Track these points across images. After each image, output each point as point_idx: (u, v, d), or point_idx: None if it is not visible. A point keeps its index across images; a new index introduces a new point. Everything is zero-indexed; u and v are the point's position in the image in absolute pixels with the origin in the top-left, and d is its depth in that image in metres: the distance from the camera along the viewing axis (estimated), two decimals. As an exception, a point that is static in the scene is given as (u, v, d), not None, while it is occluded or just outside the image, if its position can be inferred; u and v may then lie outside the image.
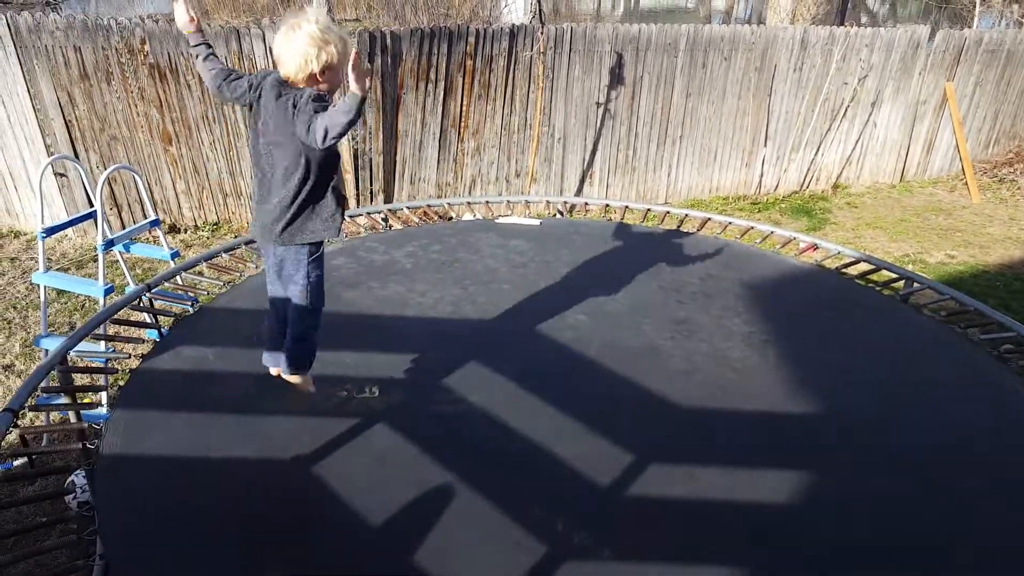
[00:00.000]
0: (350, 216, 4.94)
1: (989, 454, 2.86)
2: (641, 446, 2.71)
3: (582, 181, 8.38)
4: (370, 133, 7.14)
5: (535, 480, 2.56)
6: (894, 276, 4.39)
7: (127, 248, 4.33)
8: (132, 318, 3.61)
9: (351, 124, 2.11)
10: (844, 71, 8.86)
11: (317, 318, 2.66)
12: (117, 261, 5.39)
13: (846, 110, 9.15)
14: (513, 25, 7.45)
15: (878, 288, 4.36)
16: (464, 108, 7.47)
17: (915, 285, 4.25)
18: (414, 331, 3.50)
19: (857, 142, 9.55)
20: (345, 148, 7.23)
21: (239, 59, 6.60)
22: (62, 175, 6.64)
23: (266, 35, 6.57)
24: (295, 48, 2.29)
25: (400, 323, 3.54)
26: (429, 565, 2.16)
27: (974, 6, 14.79)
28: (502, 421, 2.82)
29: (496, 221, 4.95)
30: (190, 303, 3.67)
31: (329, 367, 3.10)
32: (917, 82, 9.45)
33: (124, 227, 6.67)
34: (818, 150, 9.32)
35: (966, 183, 9.96)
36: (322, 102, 2.23)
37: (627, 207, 5.53)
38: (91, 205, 4.01)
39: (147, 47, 6.37)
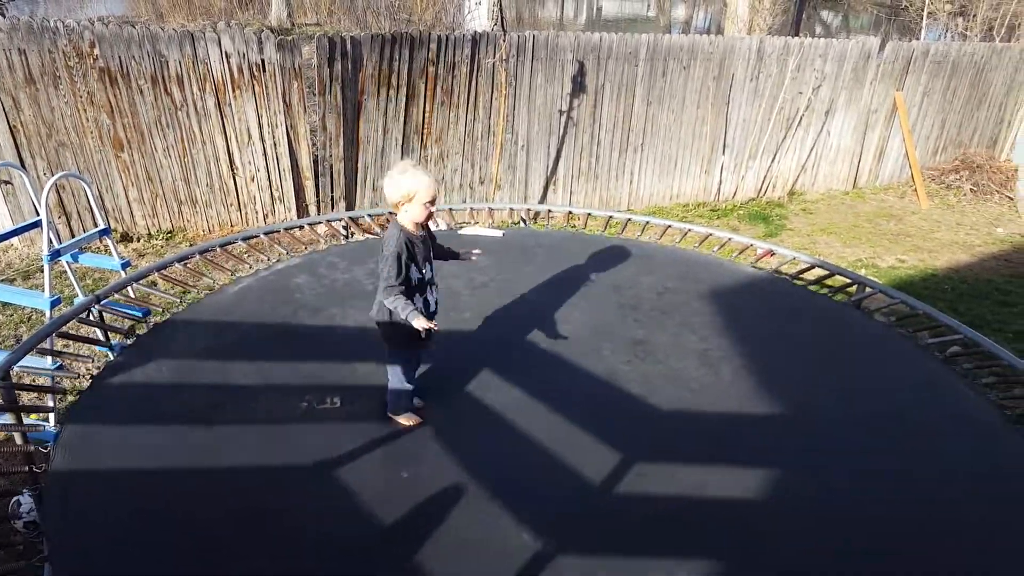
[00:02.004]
0: (310, 224, 4.87)
1: (937, 452, 2.94)
2: (602, 464, 2.70)
3: (546, 188, 8.41)
4: (330, 139, 7.05)
5: (492, 514, 2.49)
6: (847, 281, 4.50)
7: (75, 258, 4.18)
8: (82, 332, 3.50)
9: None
10: (799, 80, 9.08)
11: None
12: (65, 272, 5.21)
13: (801, 119, 9.36)
14: (476, 32, 7.45)
15: (831, 294, 4.46)
16: (427, 114, 7.43)
17: (867, 290, 4.36)
18: (375, 348, 3.43)
19: (812, 150, 9.78)
20: (305, 153, 7.14)
21: (193, 63, 6.46)
22: (7, 183, 6.41)
23: (221, 39, 6.44)
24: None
25: (362, 338, 3.47)
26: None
27: (921, 18, 15.31)
28: (458, 445, 2.77)
29: (459, 232, 4.93)
30: (142, 315, 3.57)
31: (290, 379, 3.05)
32: (868, 91, 9.73)
33: (73, 236, 6.46)
34: (774, 158, 9.52)
35: (915, 189, 10.28)
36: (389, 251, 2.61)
37: (589, 214, 5.57)
38: (38, 214, 3.87)
39: (96, 50, 6.19)
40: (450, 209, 5.43)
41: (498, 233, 4.91)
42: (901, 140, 10.37)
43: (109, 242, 4.28)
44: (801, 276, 4.62)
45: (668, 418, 3.07)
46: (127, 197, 6.82)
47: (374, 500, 2.44)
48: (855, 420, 3.13)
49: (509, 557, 2.26)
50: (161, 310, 3.83)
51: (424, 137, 7.52)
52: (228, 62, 6.55)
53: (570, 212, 5.76)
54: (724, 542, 2.43)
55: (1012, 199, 10.30)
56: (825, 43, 9.14)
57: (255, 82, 6.69)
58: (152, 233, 7.03)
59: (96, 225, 4.37)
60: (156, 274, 3.99)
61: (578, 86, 8.01)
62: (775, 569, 2.33)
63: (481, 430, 2.90)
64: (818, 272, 4.60)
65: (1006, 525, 2.59)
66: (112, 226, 6.80)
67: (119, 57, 6.27)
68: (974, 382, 3.57)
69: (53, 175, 4.97)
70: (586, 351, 3.54)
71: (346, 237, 4.86)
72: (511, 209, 6.78)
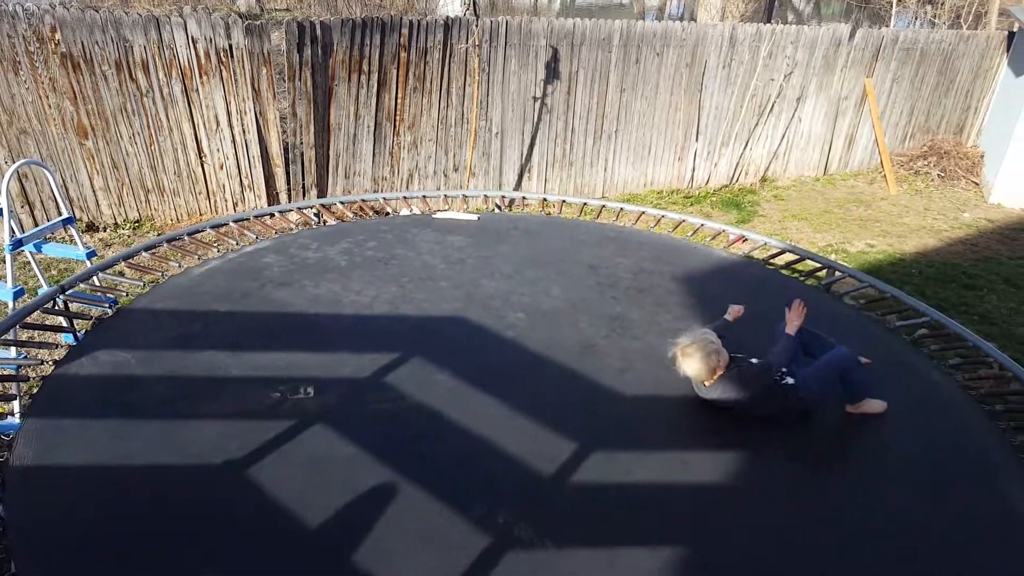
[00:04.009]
0: (280, 212, 4.81)
1: (903, 434, 3.00)
2: (580, 443, 2.73)
3: (520, 175, 8.39)
4: (301, 125, 6.96)
5: (474, 479, 2.55)
6: (817, 265, 4.56)
7: (39, 248, 4.08)
8: (48, 322, 3.42)
9: None
10: (771, 67, 9.14)
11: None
12: (30, 263, 5.08)
13: (772, 106, 9.44)
14: (448, 17, 7.38)
15: (802, 277, 4.52)
16: (399, 101, 7.36)
17: (836, 274, 4.43)
18: (350, 331, 3.42)
19: (783, 137, 9.87)
20: (275, 140, 7.04)
21: (159, 48, 6.32)
22: (-34, 170, 6.23)
23: (187, 24, 6.31)
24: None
25: (335, 323, 3.46)
26: (364, 570, 2.12)
27: (891, 6, 15.49)
28: (441, 421, 2.79)
29: (434, 216, 4.90)
30: (108, 305, 3.50)
31: (261, 369, 3.01)
32: (839, 78, 9.83)
33: (37, 225, 6.30)
34: (747, 145, 9.59)
35: (884, 175, 10.44)
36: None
37: (564, 201, 5.57)
38: (-2, 203, 3.78)
39: (58, 35, 6.02)
40: (423, 196, 5.39)
41: (473, 217, 4.89)
42: (871, 127, 10.51)
43: (73, 231, 4.19)
44: (772, 261, 4.67)
45: (643, 393, 3.11)
46: (92, 186, 6.67)
47: (339, 492, 2.42)
48: (825, 406, 3.17)
49: (484, 530, 2.27)
50: (129, 298, 3.74)
51: (396, 124, 7.45)
52: (195, 47, 6.42)
53: (545, 199, 5.75)
54: (695, 523, 2.46)
55: (978, 184, 10.50)
56: (796, 30, 9.21)
57: (223, 68, 6.56)
58: (119, 222, 6.89)
59: (60, 214, 4.27)
60: (123, 263, 3.92)
61: (552, 73, 7.98)
62: (740, 553, 2.37)
63: (458, 402, 2.90)
64: (789, 257, 4.66)
65: (973, 506, 2.65)
66: (78, 215, 6.65)
67: (82, 42, 6.11)
68: (940, 363, 3.64)
69: (14, 163, 4.85)
70: (564, 323, 3.57)
71: (318, 225, 4.80)
72: (485, 196, 6.74)
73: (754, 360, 2.99)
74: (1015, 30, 10.59)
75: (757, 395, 2.90)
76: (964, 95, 11.22)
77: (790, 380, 2.95)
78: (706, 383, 2.94)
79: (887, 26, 13.35)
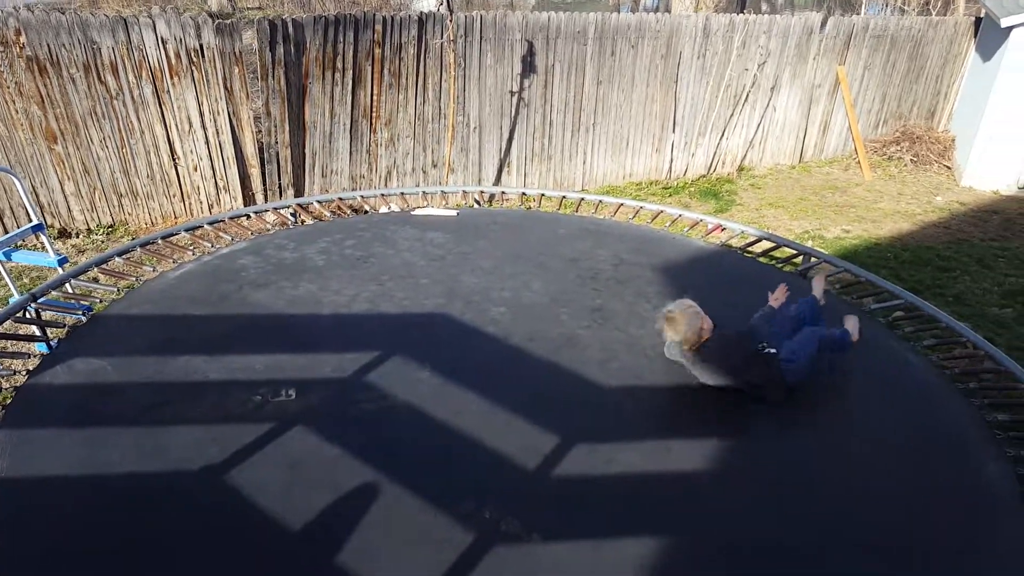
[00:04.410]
0: (256, 212, 4.76)
1: (880, 413, 3.04)
2: (563, 435, 2.73)
3: (500, 171, 8.38)
4: (275, 125, 6.89)
5: (460, 476, 2.54)
6: (793, 252, 4.60)
7: (8, 256, 4.00)
8: (21, 331, 3.36)
9: None
10: (744, 57, 9.19)
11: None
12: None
13: (747, 95, 9.50)
14: (422, 12, 7.33)
15: (779, 264, 4.56)
16: (375, 98, 7.31)
17: (812, 259, 4.47)
18: (330, 331, 3.39)
19: (759, 126, 9.94)
20: (249, 140, 6.96)
21: (128, 50, 6.22)
22: (-68, 178, 6.10)
23: (156, 24, 6.21)
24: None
25: (315, 323, 3.43)
26: (350, 570, 2.11)
27: (861, -6, 15.65)
28: (425, 418, 2.78)
29: (412, 213, 4.88)
30: (82, 312, 3.44)
31: (240, 373, 2.98)
32: (812, 67, 9.91)
33: (7, 233, 6.18)
34: (723, 134, 9.64)
35: (859, 162, 10.55)
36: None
37: (543, 195, 5.57)
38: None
39: (23, 38, 5.90)
40: (402, 193, 5.36)
41: (452, 213, 4.88)
42: (844, 114, 10.61)
43: (44, 238, 4.11)
44: (750, 249, 4.71)
45: (625, 382, 3.12)
46: (63, 191, 6.56)
47: (323, 492, 2.40)
48: (803, 388, 3.20)
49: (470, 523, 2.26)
50: (104, 305, 3.68)
51: (373, 121, 7.40)
52: (164, 48, 6.33)
53: (524, 194, 5.75)
54: (677, 510, 2.48)
55: (950, 168, 10.65)
56: (769, 19, 9.27)
57: (194, 68, 6.48)
58: (92, 228, 6.78)
59: (30, 221, 4.19)
60: (96, 269, 3.86)
61: (528, 66, 7.97)
62: (724, 538, 2.38)
63: (441, 399, 2.89)
64: (766, 244, 4.70)
65: (949, 480, 2.69)
66: (49, 222, 6.54)
67: (48, 45, 5.99)
68: (915, 344, 3.70)
69: (-19, 169, 4.75)
70: (545, 316, 3.58)
71: (295, 224, 4.75)
72: (464, 192, 6.72)
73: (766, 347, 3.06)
74: (982, 16, 10.73)
75: (738, 362, 2.96)
76: (934, 80, 11.37)
77: (771, 350, 3.01)
78: (690, 351, 3.01)
79: (858, 14, 13.48)
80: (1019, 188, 9.88)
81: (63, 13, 6.08)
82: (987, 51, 10.39)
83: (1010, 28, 9.31)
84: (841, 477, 2.67)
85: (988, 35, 10.42)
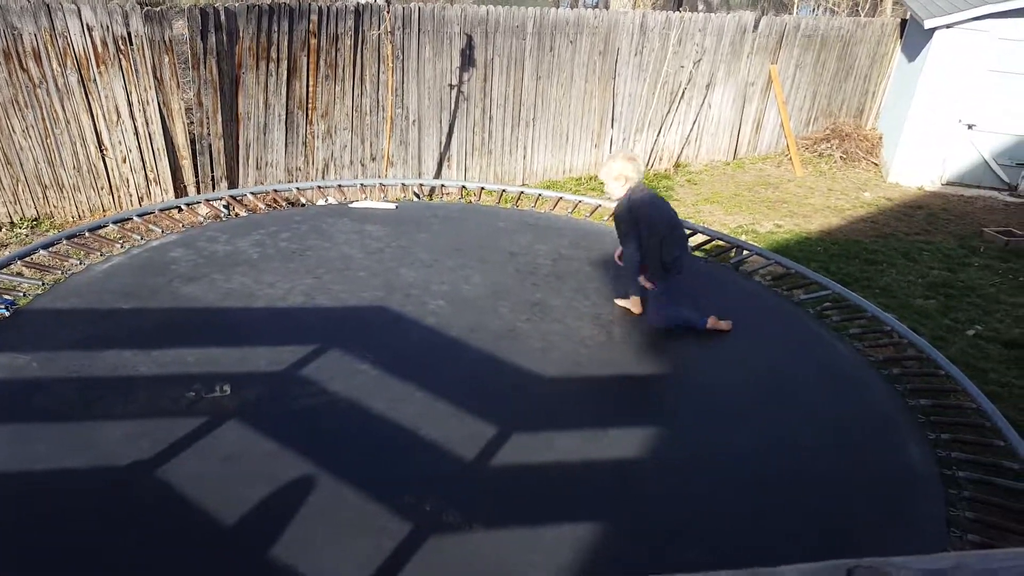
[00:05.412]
0: (188, 204, 4.64)
1: (809, 398, 3.19)
2: (503, 423, 2.77)
3: (440, 164, 8.35)
4: (208, 116, 6.70)
5: (401, 466, 2.55)
6: (726, 246, 4.76)
7: (-80, 250, 3.80)
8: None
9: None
10: (680, 55, 9.41)
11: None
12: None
13: (683, 92, 9.72)
14: (359, 3, 7.25)
15: (713, 257, 4.70)
16: (311, 89, 7.19)
17: (744, 253, 4.63)
18: (266, 324, 3.35)
19: (695, 123, 10.19)
20: (180, 131, 6.76)
21: (52, 37, 5.95)
22: None
23: (81, 11, 5.96)
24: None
25: (249, 317, 3.38)
26: (289, 561, 2.10)
27: (793, -5, 16.19)
28: (363, 410, 2.78)
29: (350, 206, 4.83)
30: (5, 306, 3.30)
31: (172, 367, 2.92)
32: (746, 65, 10.21)
33: (-81, 227, 5.85)
34: (660, 131, 9.85)
35: (791, 158, 10.94)
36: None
37: (483, 188, 5.59)
38: None
39: (-67, 21, 5.58)
40: (339, 185, 5.31)
41: (391, 206, 4.85)
42: (777, 112, 10.98)
43: (-41, 231, 3.91)
44: (685, 241, 4.83)
45: (564, 371, 3.18)
46: (-19, 183, 6.24)
47: (260, 485, 2.38)
48: (736, 375, 3.33)
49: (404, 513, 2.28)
50: (28, 299, 3.54)
51: (309, 112, 7.28)
52: (91, 35, 6.08)
53: (464, 187, 5.76)
54: (613, 494, 2.55)
55: (877, 165, 11.15)
56: (704, 18, 9.51)
57: (122, 57, 6.24)
58: (15, 221, 6.47)
59: (-58, 213, 3.98)
60: (19, 263, 3.70)
61: (467, 60, 7.97)
62: (660, 521, 2.47)
63: (381, 391, 2.89)
64: (700, 238, 4.84)
65: (874, 461, 2.85)
66: (-35, 215, 6.21)
67: (-39, 28, 5.68)
68: (843, 333, 3.88)
69: None
70: (485, 308, 3.61)
71: (228, 217, 4.65)
72: (403, 185, 6.68)
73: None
74: (908, 17, 11.24)
75: (629, 222, 3.56)
76: (863, 79, 11.86)
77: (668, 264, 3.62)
78: (615, 196, 3.63)
79: (791, 14, 13.95)
80: (942, 184, 10.41)
81: (-23, -4, 5.77)
82: (912, 52, 10.88)
83: (933, 30, 9.74)
84: (772, 458, 2.80)
85: (913, 36, 10.89)
